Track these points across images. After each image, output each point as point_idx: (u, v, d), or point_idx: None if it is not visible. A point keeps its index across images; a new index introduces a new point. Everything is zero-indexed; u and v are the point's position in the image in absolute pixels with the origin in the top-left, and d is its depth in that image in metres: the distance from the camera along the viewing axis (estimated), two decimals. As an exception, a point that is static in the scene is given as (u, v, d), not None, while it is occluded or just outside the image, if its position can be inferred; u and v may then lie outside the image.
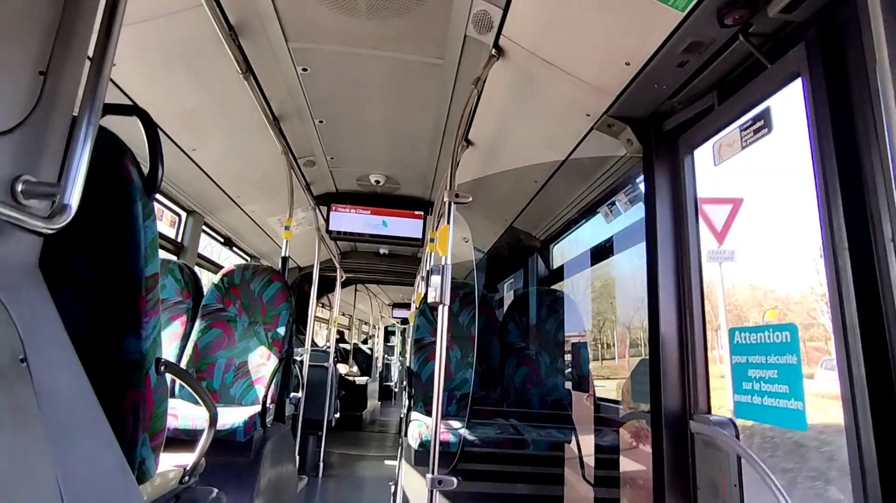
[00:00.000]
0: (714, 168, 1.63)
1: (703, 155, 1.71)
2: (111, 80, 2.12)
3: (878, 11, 0.60)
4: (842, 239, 1.07)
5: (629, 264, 3.14)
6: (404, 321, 13.52)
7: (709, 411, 1.55)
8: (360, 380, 7.99)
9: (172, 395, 2.59)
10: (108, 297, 0.94)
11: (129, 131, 1.03)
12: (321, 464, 4.44)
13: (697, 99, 1.69)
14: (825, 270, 1.10)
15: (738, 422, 1.42)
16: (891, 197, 0.55)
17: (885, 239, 1.01)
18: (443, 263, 1.90)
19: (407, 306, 12.36)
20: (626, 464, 2.04)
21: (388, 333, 14.53)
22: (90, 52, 0.84)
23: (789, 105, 1.34)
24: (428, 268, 2.03)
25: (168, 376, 1.06)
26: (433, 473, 1.75)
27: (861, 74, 1.10)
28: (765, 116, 1.42)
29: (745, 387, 1.34)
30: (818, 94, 1.19)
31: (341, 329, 11.01)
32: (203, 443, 1.43)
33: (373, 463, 5.28)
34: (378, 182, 3.81)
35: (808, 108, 1.22)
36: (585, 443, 2.37)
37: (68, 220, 0.76)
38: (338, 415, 6.51)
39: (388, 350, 13.97)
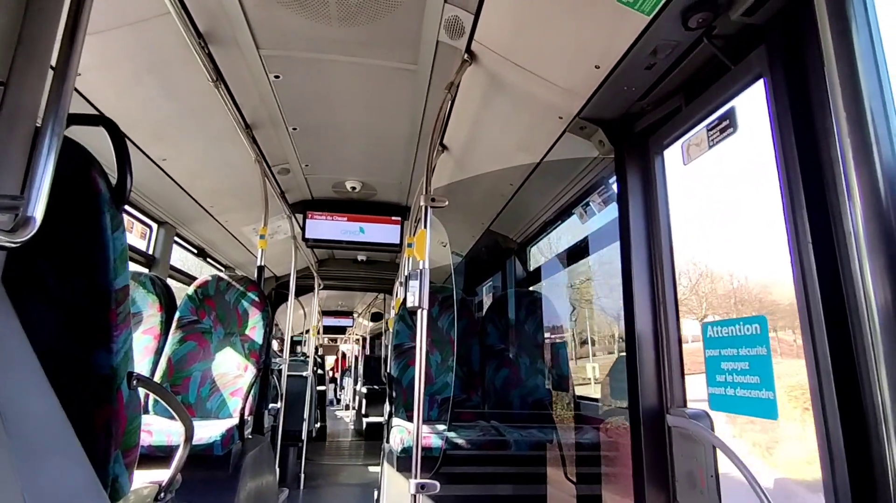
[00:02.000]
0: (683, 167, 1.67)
1: (672, 155, 1.76)
2: (78, 92, 2.07)
3: (825, 15, 0.63)
4: (805, 233, 1.11)
5: (606, 263, 3.19)
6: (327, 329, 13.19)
7: (684, 404, 1.58)
8: (318, 388, 7.96)
9: (146, 411, 2.53)
10: (77, 311, 0.92)
11: (97, 142, 1.01)
12: (302, 476, 4.38)
13: (666, 100, 1.73)
14: (790, 264, 1.13)
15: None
16: (850, 192, 0.58)
17: (845, 233, 1.05)
18: (420, 268, 1.90)
19: (337, 314, 12.14)
20: (607, 460, 2.06)
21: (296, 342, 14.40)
22: (53, 62, 0.82)
23: (754, 105, 1.38)
24: (406, 274, 2.03)
25: (141, 391, 1.03)
26: (416, 478, 1.75)
27: (820, 75, 1.14)
28: (730, 116, 1.46)
29: (718, 380, 1.37)
30: (779, 95, 1.23)
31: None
32: (179, 458, 1.39)
33: (354, 470, 5.23)
34: (354, 188, 3.79)
35: (770, 108, 1.26)
36: (567, 442, 2.39)
37: (32, 233, 0.73)
38: (318, 425, 6.43)
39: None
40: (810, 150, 1.15)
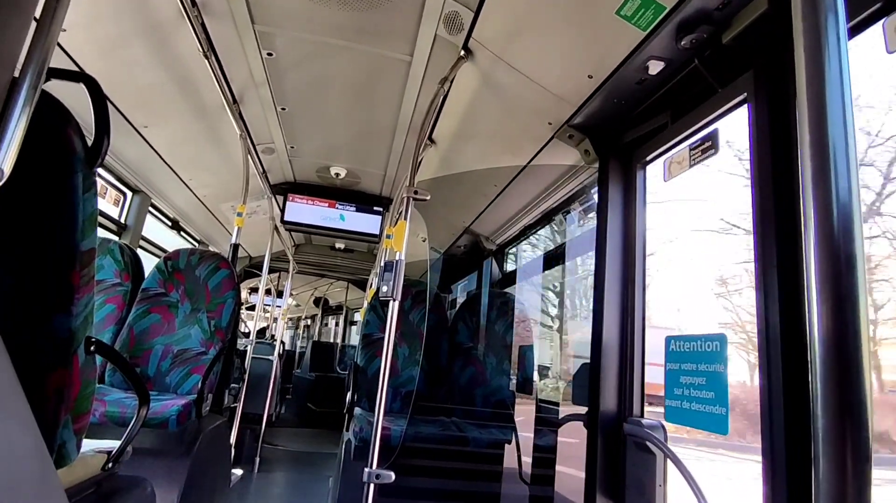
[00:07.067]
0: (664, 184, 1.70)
1: (654, 170, 1.79)
2: (62, 48, 2.01)
3: (801, 48, 0.65)
4: (772, 257, 1.14)
5: (579, 272, 3.23)
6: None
7: (642, 414, 1.62)
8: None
9: (102, 381, 2.47)
10: (39, 271, 0.89)
11: (78, 103, 0.98)
12: (258, 459, 4.33)
13: (653, 116, 1.76)
14: (755, 285, 1.17)
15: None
16: (807, 220, 0.61)
17: (808, 262, 1.09)
18: (397, 259, 1.90)
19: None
20: (562, 464, 2.09)
21: None
22: (38, 14, 0.79)
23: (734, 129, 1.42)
24: (382, 264, 2.03)
25: (99, 361, 1.01)
26: (371, 467, 1.75)
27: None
28: (713, 138, 1.50)
29: (675, 393, 1.40)
30: (761, 121, 1.27)
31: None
32: (131, 429, 1.37)
33: (313, 457, 5.19)
34: (338, 175, 3.75)
35: (751, 133, 1.30)
36: (525, 444, 2.42)
37: (0, 184, 0.71)
38: (279, 409, 6.34)
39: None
40: (785, 177, 1.19)
